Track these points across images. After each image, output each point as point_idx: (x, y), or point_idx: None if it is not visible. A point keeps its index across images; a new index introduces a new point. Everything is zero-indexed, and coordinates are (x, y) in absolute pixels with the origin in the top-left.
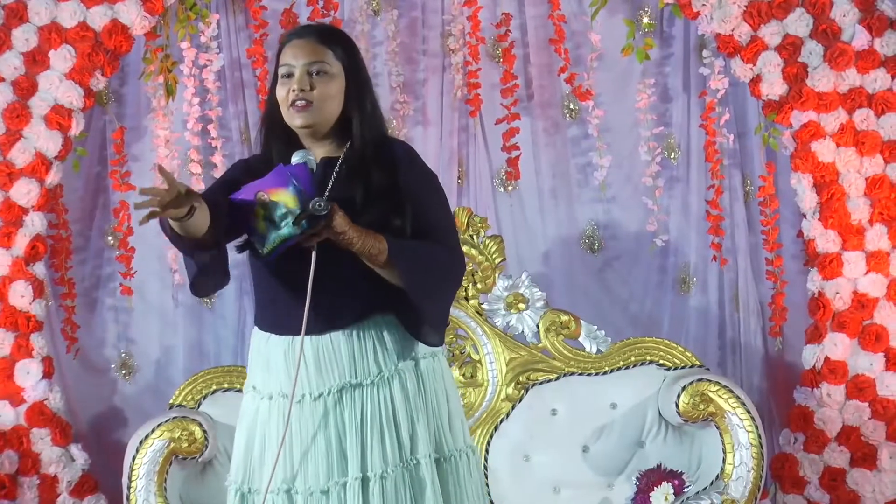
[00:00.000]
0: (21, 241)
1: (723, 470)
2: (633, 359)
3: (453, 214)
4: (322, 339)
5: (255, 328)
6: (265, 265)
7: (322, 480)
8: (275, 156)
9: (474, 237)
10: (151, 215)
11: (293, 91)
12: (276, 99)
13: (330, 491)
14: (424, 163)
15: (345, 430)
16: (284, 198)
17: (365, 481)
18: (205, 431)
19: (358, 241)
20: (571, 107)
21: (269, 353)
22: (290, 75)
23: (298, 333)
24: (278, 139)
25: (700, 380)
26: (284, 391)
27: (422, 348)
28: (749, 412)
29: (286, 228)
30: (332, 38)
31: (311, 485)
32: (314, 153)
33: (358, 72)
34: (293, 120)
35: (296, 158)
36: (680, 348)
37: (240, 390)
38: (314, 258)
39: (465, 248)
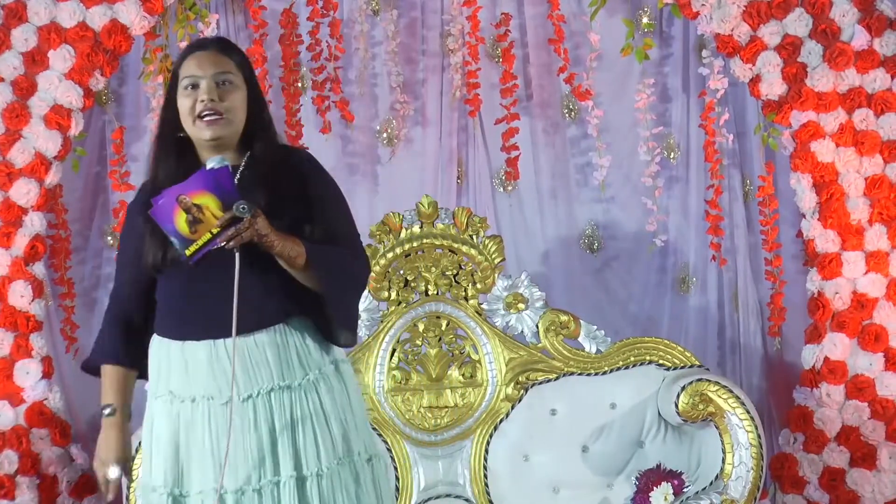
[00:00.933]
0: (20, 241)
1: (722, 470)
2: (632, 359)
3: (355, 221)
4: (247, 341)
5: (158, 336)
6: (180, 271)
7: (254, 480)
8: (161, 174)
9: (474, 237)
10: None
11: (201, 102)
12: (170, 114)
13: (263, 489)
14: (326, 171)
15: (276, 431)
16: (207, 200)
17: (301, 480)
18: None
19: (279, 244)
20: (571, 107)
21: (186, 358)
22: (195, 86)
23: (220, 336)
24: (170, 155)
25: (699, 380)
26: (209, 393)
27: (337, 353)
28: (748, 412)
29: (209, 231)
30: (232, 50)
31: (242, 484)
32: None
33: (255, 83)
34: (202, 133)
35: (211, 164)
36: (679, 348)
37: None
38: (238, 260)
39: (464, 249)
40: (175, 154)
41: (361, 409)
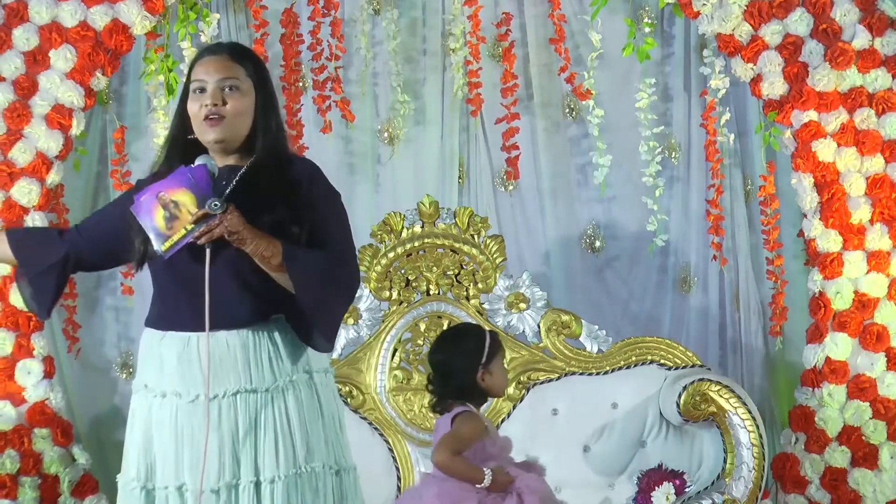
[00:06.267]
0: None
1: (724, 470)
2: (633, 358)
3: (352, 234)
4: (217, 340)
5: (148, 328)
6: (162, 264)
7: (212, 480)
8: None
9: (475, 237)
10: None
11: (206, 106)
12: (182, 116)
13: (220, 491)
14: (329, 182)
15: (238, 433)
16: (184, 197)
17: (258, 485)
18: None
19: (251, 242)
20: (572, 106)
21: (161, 351)
22: (202, 90)
23: (191, 330)
24: (179, 155)
25: (701, 379)
26: (177, 390)
27: (315, 363)
28: (750, 412)
29: (184, 227)
30: (244, 56)
31: (203, 483)
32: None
33: (266, 90)
34: (206, 134)
35: (198, 161)
36: (681, 348)
37: None
38: (208, 255)
39: (465, 248)
40: (183, 155)
41: (335, 421)
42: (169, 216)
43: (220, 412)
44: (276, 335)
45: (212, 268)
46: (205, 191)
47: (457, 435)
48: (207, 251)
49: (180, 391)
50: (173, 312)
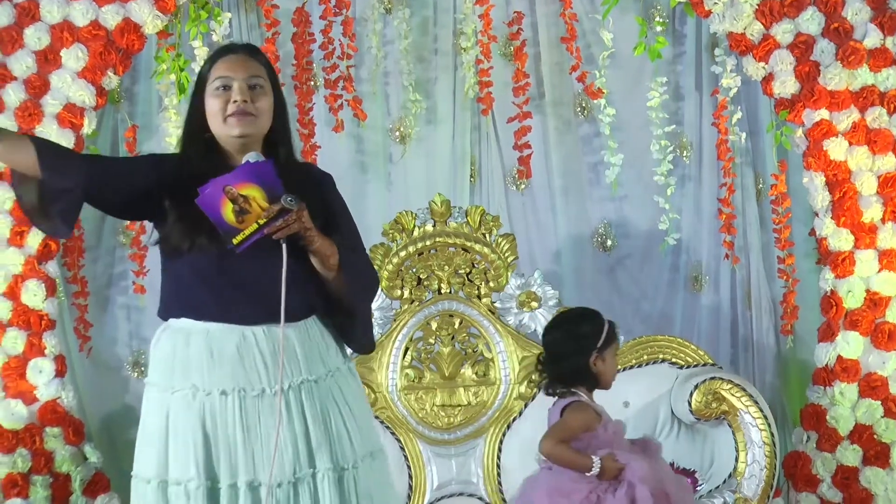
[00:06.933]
0: (33, 240)
1: (735, 468)
2: (645, 357)
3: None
4: (276, 333)
5: (174, 321)
6: (205, 258)
7: (288, 472)
8: (188, 171)
9: (486, 236)
10: None
11: (234, 102)
12: (196, 115)
13: (299, 482)
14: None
15: (308, 423)
16: (253, 192)
17: (338, 471)
18: None
19: (319, 240)
20: (583, 105)
21: (211, 347)
22: (226, 87)
23: (249, 324)
24: (197, 153)
25: (712, 378)
26: (240, 385)
27: (346, 355)
28: (762, 410)
29: (256, 221)
30: (262, 56)
31: (278, 476)
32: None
33: (280, 90)
34: (232, 129)
35: (250, 159)
36: (692, 346)
37: None
38: (285, 251)
39: (477, 247)
40: (202, 152)
41: (369, 405)
42: (239, 210)
43: (289, 404)
44: (322, 328)
45: (277, 263)
46: (276, 187)
47: (564, 425)
48: (284, 246)
49: (244, 386)
50: (227, 305)
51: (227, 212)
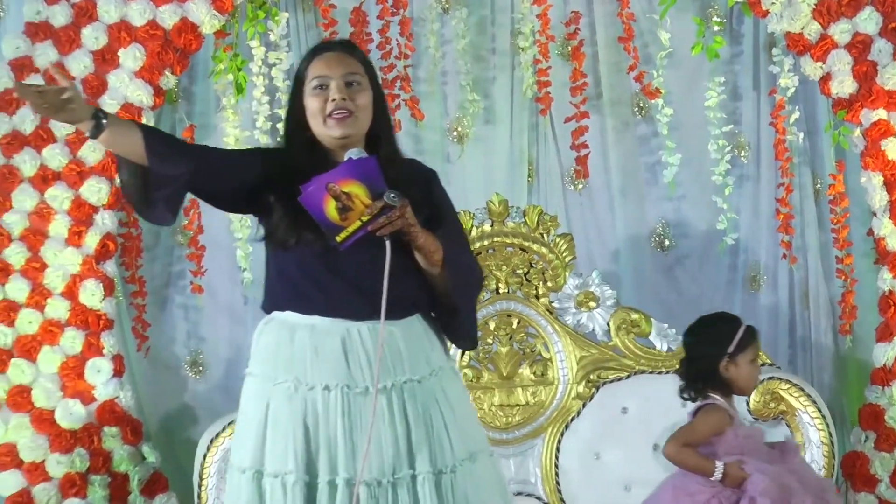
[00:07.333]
0: (91, 240)
1: None
2: None
3: None
4: (386, 328)
5: (278, 314)
6: (311, 252)
7: (388, 472)
8: (293, 170)
9: (544, 235)
10: (23, 91)
11: (332, 101)
12: (296, 114)
13: (398, 483)
14: None
15: (410, 423)
16: (356, 189)
17: (437, 475)
18: None
19: (422, 237)
20: (641, 105)
21: (315, 343)
22: (324, 87)
23: (355, 320)
24: (300, 153)
25: (771, 378)
26: (344, 382)
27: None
28: (820, 410)
29: (359, 218)
30: (359, 52)
31: (377, 476)
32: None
33: (379, 86)
34: (332, 131)
35: (353, 156)
36: None
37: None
38: (388, 247)
39: (535, 247)
40: (305, 152)
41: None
42: (342, 207)
43: (392, 403)
44: (426, 325)
45: (381, 259)
46: (378, 183)
47: (692, 428)
48: (388, 243)
49: (348, 383)
50: (333, 300)
51: (331, 209)
